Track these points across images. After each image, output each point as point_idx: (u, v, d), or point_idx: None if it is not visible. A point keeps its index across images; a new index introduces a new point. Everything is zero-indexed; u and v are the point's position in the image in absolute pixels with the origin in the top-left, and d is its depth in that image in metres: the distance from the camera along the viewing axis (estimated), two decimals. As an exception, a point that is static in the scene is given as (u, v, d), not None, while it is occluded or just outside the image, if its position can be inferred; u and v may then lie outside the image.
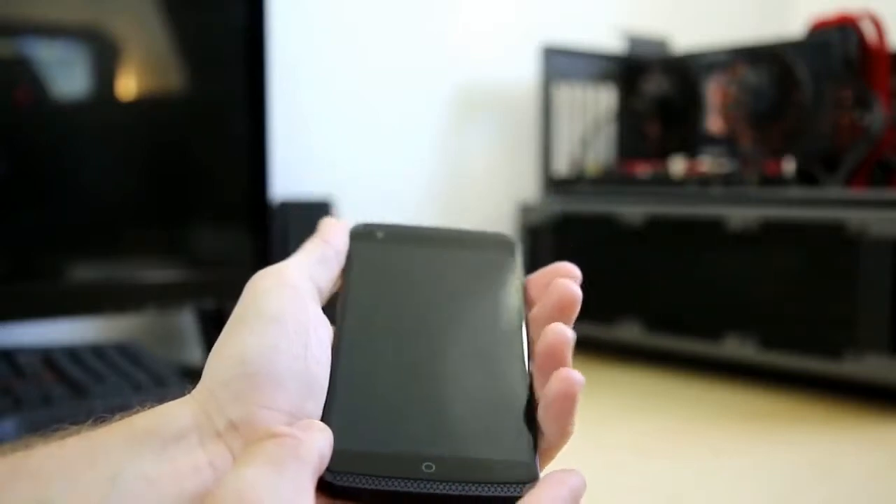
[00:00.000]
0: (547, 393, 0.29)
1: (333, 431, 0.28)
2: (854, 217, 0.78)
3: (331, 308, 0.33)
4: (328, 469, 0.27)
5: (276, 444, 0.26)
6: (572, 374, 0.29)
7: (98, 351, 0.72)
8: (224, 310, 0.85)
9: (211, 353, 0.30)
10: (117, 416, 0.29)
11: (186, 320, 0.92)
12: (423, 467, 0.28)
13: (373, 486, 0.27)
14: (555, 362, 0.30)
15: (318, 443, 0.27)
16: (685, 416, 0.77)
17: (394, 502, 0.28)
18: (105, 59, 0.78)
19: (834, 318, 0.79)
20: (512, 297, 0.34)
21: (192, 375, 0.86)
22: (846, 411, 0.77)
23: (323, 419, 0.29)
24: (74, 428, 0.29)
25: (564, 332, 0.30)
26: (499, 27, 1.18)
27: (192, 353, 0.91)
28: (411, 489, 0.27)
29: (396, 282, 0.35)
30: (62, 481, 0.26)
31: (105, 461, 0.27)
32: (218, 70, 0.85)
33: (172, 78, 0.82)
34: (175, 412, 0.29)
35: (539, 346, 0.31)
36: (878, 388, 0.77)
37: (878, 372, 0.76)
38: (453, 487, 0.27)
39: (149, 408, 0.29)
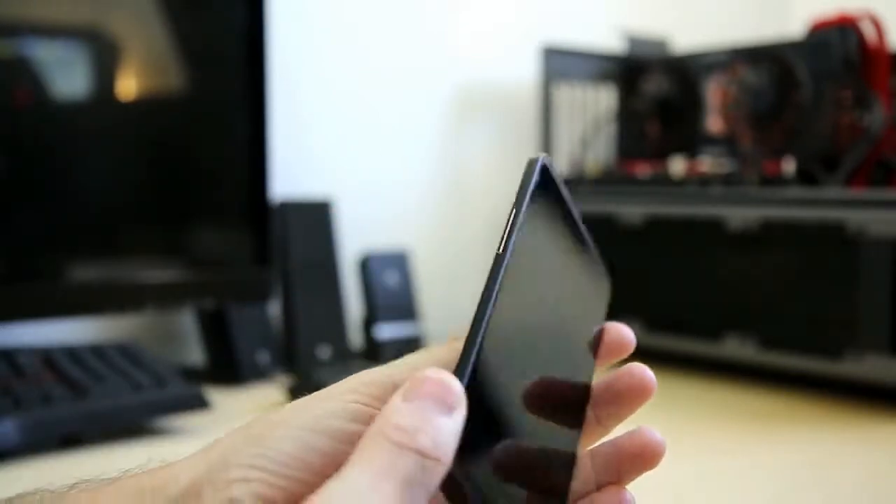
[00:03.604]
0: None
1: None
2: (854, 217, 0.78)
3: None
4: None
5: (411, 460, 0.23)
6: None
7: (98, 351, 0.72)
8: (224, 310, 0.85)
9: (256, 419, 0.29)
10: (124, 474, 0.29)
11: (186, 320, 0.92)
12: None
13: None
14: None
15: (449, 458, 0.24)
16: (685, 416, 0.77)
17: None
18: (105, 59, 0.78)
19: (834, 318, 0.79)
20: (591, 344, 0.33)
21: (192, 375, 0.87)
22: (846, 411, 0.77)
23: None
24: (85, 484, 0.29)
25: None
26: (499, 27, 1.18)
27: (192, 353, 0.91)
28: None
29: (545, 270, 0.32)
30: None
31: None
32: (218, 70, 0.85)
33: (172, 78, 0.82)
34: (182, 472, 0.28)
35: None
36: (878, 388, 0.77)
37: (878, 372, 0.76)
38: None
39: (158, 466, 0.29)
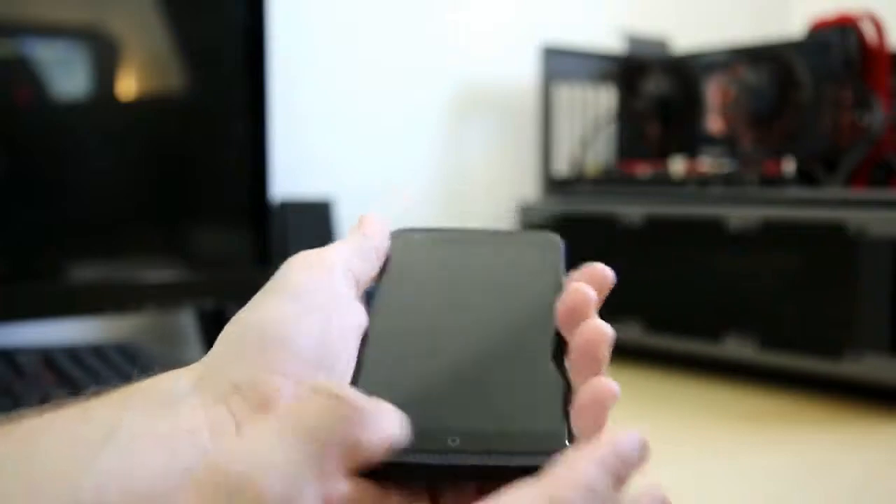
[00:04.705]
0: (580, 399, 0.29)
1: None
2: (854, 217, 0.78)
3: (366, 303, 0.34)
4: None
5: (325, 409, 0.26)
6: (607, 384, 0.29)
7: (98, 351, 0.72)
8: (224, 310, 0.85)
9: (229, 321, 0.30)
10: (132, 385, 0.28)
11: (186, 320, 0.92)
12: (448, 441, 0.28)
13: (396, 460, 0.27)
14: (590, 360, 0.30)
15: (383, 423, 0.26)
16: (685, 416, 0.77)
17: (421, 477, 0.28)
18: (105, 59, 0.78)
19: (834, 317, 0.79)
20: (545, 288, 0.35)
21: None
22: (846, 411, 0.77)
23: None
24: (73, 399, 0.28)
25: (602, 329, 0.30)
26: (499, 27, 1.18)
27: (192, 353, 0.91)
28: (434, 462, 0.27)
29: (432, 275, 0.36)
30: (50, 437, 0.25)
31: (100, 418, 0.26)
32: (218, 70, 0.85)
33: (172, 78, 0.82)
34: (177, 375, 0.28)
35: (576, 341, 0.30)
36: (878, 388, 0.77)
37: (878, 372, 0.76)
38: (477, 459, 0.28)
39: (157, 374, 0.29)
